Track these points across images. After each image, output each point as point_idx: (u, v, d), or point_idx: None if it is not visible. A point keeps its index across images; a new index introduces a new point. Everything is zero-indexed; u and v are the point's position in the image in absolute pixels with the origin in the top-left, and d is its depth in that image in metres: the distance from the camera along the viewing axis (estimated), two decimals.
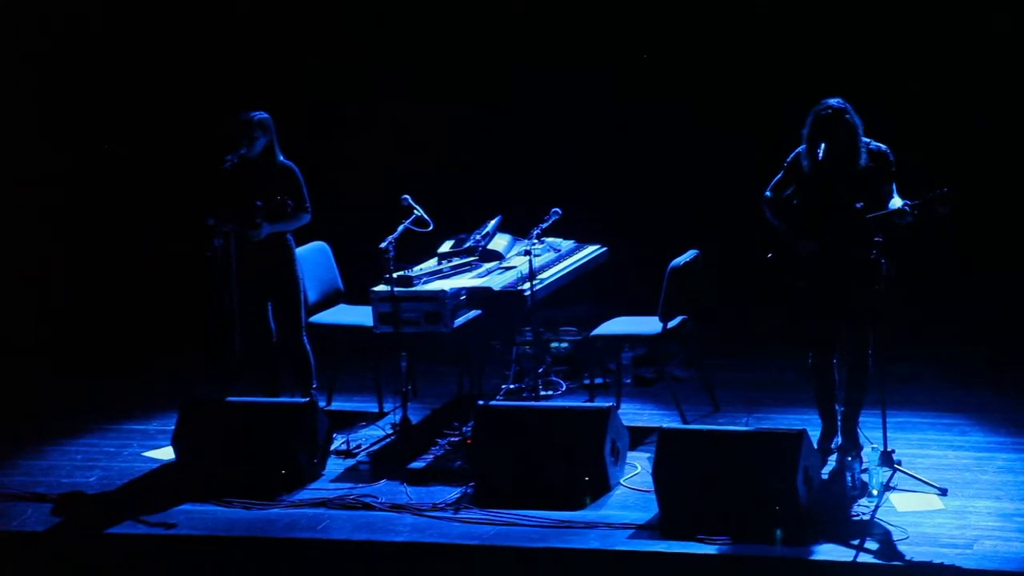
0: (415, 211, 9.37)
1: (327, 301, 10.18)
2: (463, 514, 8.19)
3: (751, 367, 10.72)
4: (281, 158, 9.44)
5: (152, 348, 11.79)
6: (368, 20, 12.62)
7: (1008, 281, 11.58)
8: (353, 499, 8.41)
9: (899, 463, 8.34)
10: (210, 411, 8.84)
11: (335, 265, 10.33)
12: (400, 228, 9.22)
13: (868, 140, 8.47)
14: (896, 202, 8.33)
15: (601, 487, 8.35)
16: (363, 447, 9.27)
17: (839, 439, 8.67)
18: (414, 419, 9.53)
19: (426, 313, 9.13)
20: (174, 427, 8.82)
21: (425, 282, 9.33)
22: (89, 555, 8.11)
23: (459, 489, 8.49)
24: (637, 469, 8.65)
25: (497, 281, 9.41)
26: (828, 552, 7.50)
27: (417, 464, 8.97)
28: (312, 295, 9.96)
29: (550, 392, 10.24)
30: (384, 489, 8.59)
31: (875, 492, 8.10)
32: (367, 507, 8.33)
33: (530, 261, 9.24)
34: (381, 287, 9.17)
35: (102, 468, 9.17)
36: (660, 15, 12.29)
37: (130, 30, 12.65)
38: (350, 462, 9.05)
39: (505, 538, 7.86)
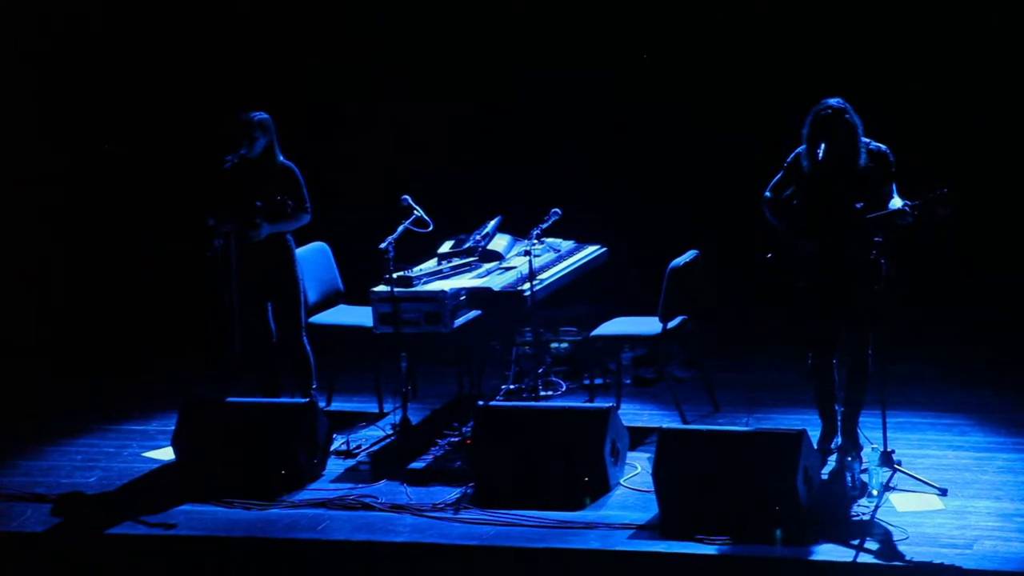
0: (415, 211, 9.37)
1: (327, 301, 10.18)
2: (463, 514, 8.19)
3: (751, 367, 10.72)
4: (281, 158, 9.44)
5: (152, 348, 11.79)
6: (368, 20, 12.62)
7: (1008, 281, 11.58)
8: (353, 499, 8.41)
9: (899, 463, 8.34)
10: (210, 411, 8.84)
11: (335, 265, 10.33)
12: (400, 228, 9.22)
13: (868, 140, 8.47)
14: (896, 202, 8.33)
15: (601, 487, 8.35)
16: (363, 447, 9.27)
17: (839, 439, 8.67)
18: (414, 419, 9.53)
19: (426, 313, 9.13)
20: (174, 427, 8.82)
21: (425, 282, 9.33)
22: (89, 555, 8.11)
23: (459, 489, 8.49)
24: (637, 469, 8.65)
25: (497, 281, 9.41)
26: (828, 552, 7.50)
27: (417, 464, 8.97)
28: (312, 295, 9.96)
29: (550, 392, 10.24)
30: (384, 489, 8.59)
31: (875, 492, 8.10)
32: (367, 507, 8.33)
33: (530, 261, 9.24)
34: (381, 287, 9.17)
35: (102, 468, 9.17)
36: (660, 15, 12.29)
37: (130, 30, 12.65)
38: (350, 462, 9.05)
39: (505, 538, 7.86)
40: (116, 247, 12.75)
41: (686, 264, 9.48)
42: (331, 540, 7.95)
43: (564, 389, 10.33)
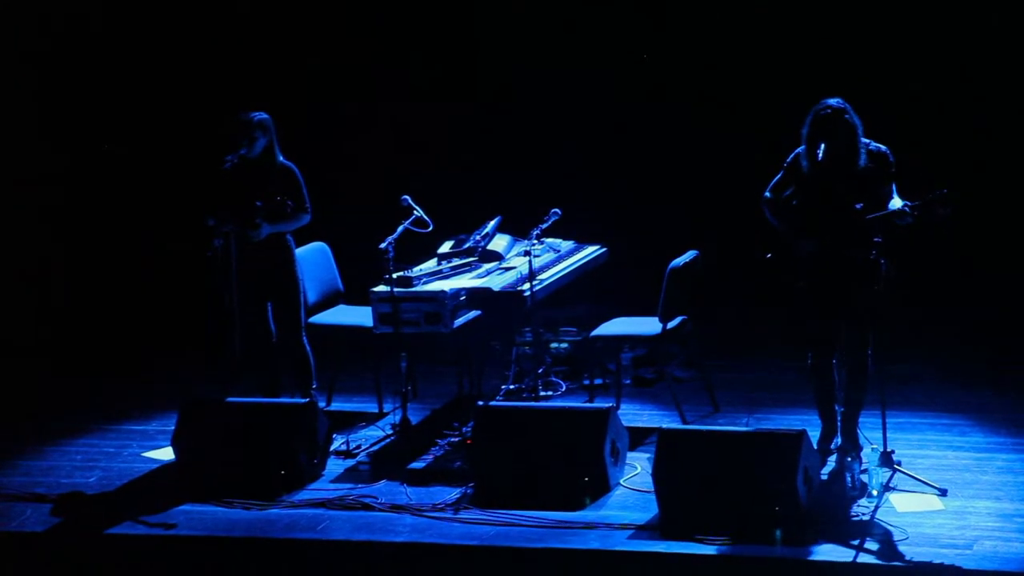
0: (415, 212, 9.37)
1: (327, 301, 10.18)
2: (463, 514, 8.19)
3: (751, 367, 10.72)
4: (281, 158, 9.44)
5: (152, 348, 11.79)
6: (368, 20, 12.62)
7: (1008, 281, 11.58)
8: (353, 499, 8.41)
9: (899, 463, 8.34)
10: (210, 411, 8.84)
11: (335, 265, 10.33)
12: (400, 228, 9.22)
13: (868, 141, 8.46)
14: (896, 203, 8.32)
15: (601, 487, 8.35)
16: (363, 447, 9.27)
17: (839, 440, 8.67)
18: (414, 419, 9.53)
19: (426, 313, 9.13)
20: (174, 427, 8.82)
21: (425, 282, 9.33)
22: (89, 555, 8.11)
23: (459, 489, 8.49)
24: (637, 469, 8.65)
25: (497, 282, 9.41)
26: (828, 552, 7.50)
27: (417, 464, 8.97)
28: (312, 295, 9.96)
29: (550, 392, 10.24)
30: (384, 489, 8.59)
31: (875, 492, 8.09)
32: (367, 507, 8.33)
33: (530, 261, 9.24)
34: (381, 287, 9.17)
35: (102, 468, 9.17)
36: (660, 15, 12.29)
37: (130, 30, 12.65)
38: (350, 462, 9.05)
39: (505, 538, 7.86)
40: (116, 247, 12.75)
41: (686, 264, 9.48)
42: (331, 540, 7.95)
43: (564, 389, 10.32)
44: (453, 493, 8.45)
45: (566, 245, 10.20)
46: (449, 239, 9.94)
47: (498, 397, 9.99)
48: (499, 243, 9.93)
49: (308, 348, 9.65)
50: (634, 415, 9.73)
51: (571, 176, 12.06)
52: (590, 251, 10.24)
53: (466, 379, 10.07)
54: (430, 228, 9.39)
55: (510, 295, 9.26)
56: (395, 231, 9.17)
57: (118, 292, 12.56)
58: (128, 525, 8.22)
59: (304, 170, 9.48)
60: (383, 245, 9.05)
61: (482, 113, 12.48)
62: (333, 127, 12.73)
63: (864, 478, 8.21)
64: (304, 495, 8.54)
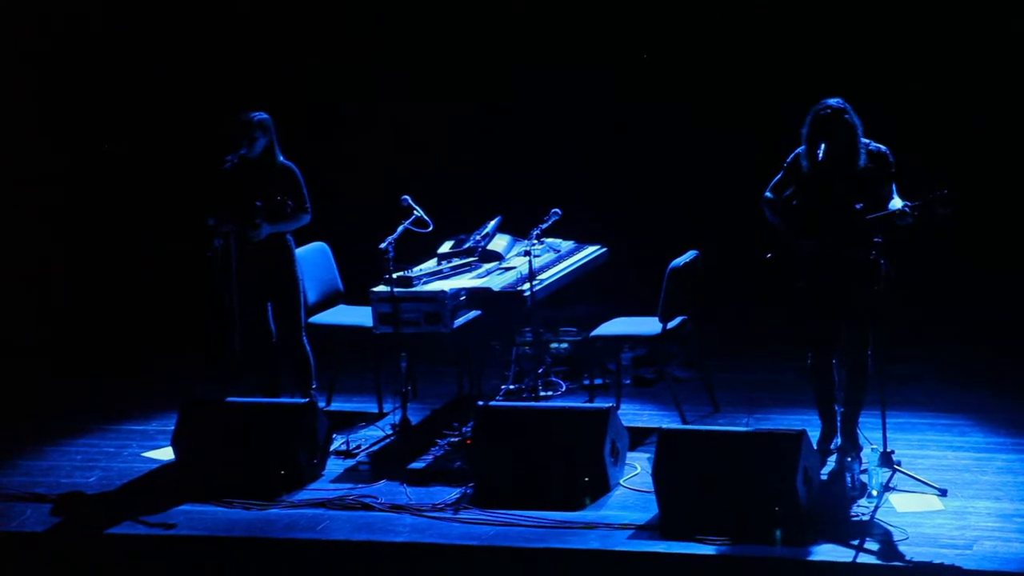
0: (415, 212, 9.37)
1: (327, 301, 10.18)
2: (463, 514, 8.19)
3: (751, 367, 10.71)
4: (281, 158, 9.44)
5: (152, 348, 11.79)
6: (368, 20, 12.63)
7: (1008, 281, 11.58)
8: (353, 499, 8.41)
9: (899, 464, 8.34)
10: (210, 411, 8.84)
11: (335, 265, 10.33)
12: (400, 228, 9.22)
13: (868, 141, 8.46)
14: (896, 203, 8.32)
15: (601, 487, 8.35)
16: (363, 447, 9.27)
17: (839, 440, 8.67)
18: (414, 419, 9.53)
19: (426, 314, 9.13)
20: (174, 427, 8.82)
21: (425, 282, 9.33)
22: (89, 555, 8.11)
23: (459, 489, 8.49)
24: (637, 469, 8.65)
25: (497, 282, 9.41)
26: (828, 552, 7.50)
27: (417, 464, 8.97)
28: (312, 295, 9.96)
29: (550, 392, 10.24)
30: (384, 489, 8.59)
31: (875, 493, 8.09)
32: (367, 507, 8.33)
33: (530, 261, 9.24)
34: (381, 287, 9.17)
35: (102, 468, 9.17)
36: (660, 15, 12.29)
37: (130, 30, 12.65)
38: (350, 462, 9.05)
39: (504, 538, 7.86)
40: (116, 247, 12.75)
41: (686, 264, 9.47)
42: (331, 540, 7.95)
43: (564, 389, 10.32)
44: (453, 493, 8.45)
45: (566, 245, 10.20)
46: (449, 239, 9.94)
47: (498, 397, 9.99)
48: (499, 243, 9.93)
49: (308, 348, 9.65)
50: (634, 415, 9.73)
51: (571, 176, 12.06)
52: (590, 251, 10.24)
53: (466, 379, 10.07)
54: (430, 228, 9.39)
55: (510, 295, 9.26)
56: (395, 231, 9.17)
57: (118, 292, 12.56)
58: (128, 525, 8.22)
59: (304, 170, 9.48)
60: (383, 245, 9.05)
61: (482, 113, 12.48)
62: (333, 127, 12.73)
63: (864, 478, 8.21)
64: (304, 495, 8.54)
